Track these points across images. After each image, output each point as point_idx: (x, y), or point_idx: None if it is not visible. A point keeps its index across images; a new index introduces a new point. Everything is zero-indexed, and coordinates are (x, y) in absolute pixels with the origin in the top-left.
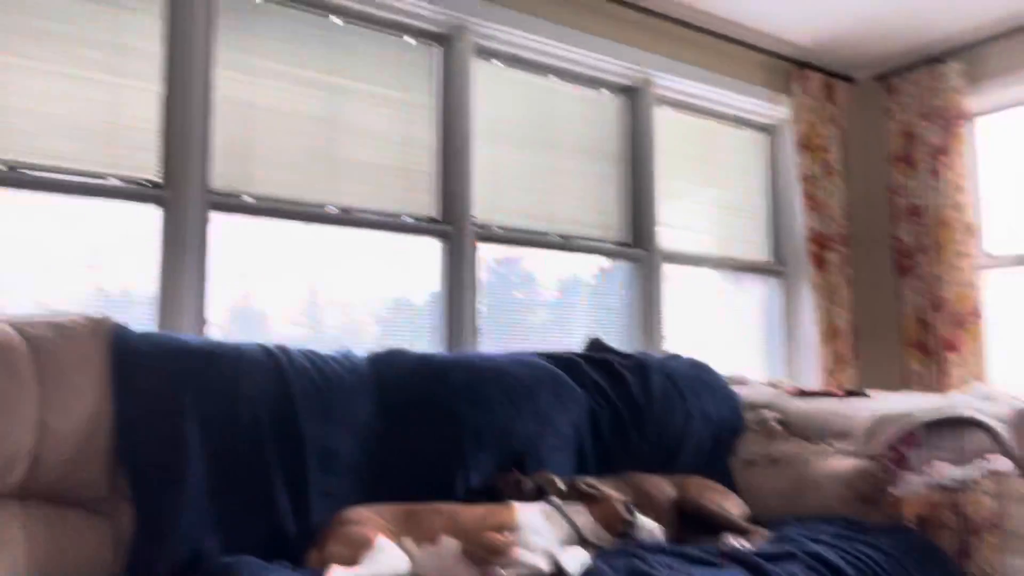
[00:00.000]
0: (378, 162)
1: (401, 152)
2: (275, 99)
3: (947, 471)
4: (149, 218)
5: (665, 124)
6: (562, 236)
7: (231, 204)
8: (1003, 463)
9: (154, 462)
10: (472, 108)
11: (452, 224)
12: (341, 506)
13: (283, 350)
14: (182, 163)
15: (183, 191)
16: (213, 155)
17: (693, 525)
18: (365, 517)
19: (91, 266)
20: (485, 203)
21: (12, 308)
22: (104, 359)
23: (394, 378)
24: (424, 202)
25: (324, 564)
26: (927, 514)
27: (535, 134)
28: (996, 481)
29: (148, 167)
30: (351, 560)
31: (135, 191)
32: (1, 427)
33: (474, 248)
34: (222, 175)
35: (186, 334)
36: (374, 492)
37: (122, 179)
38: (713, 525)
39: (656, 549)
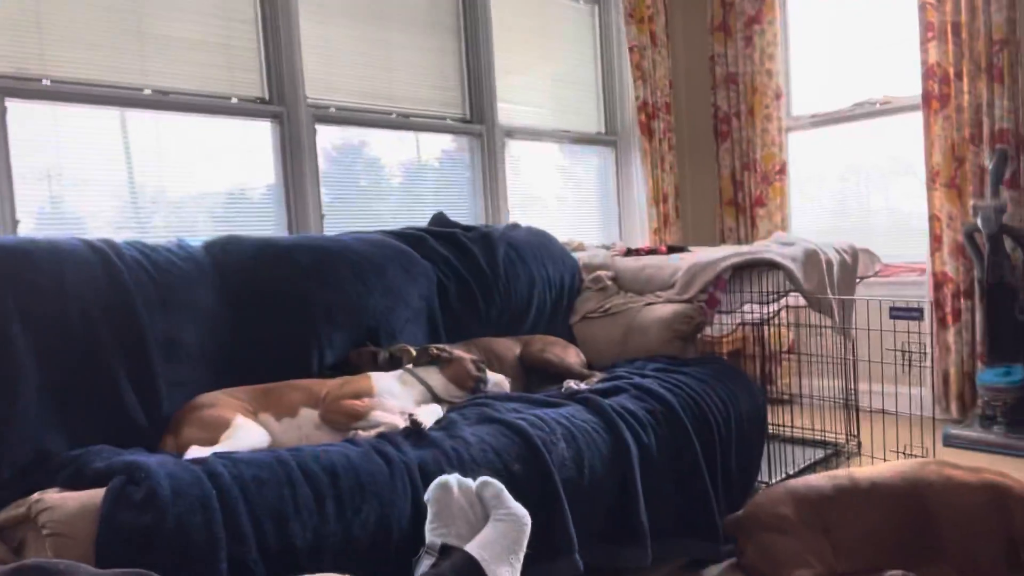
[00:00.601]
0: (194, 37)
1: (220, 26)
2: None
3: (752, 308)
4: None
5: None
6: (402, 115)
7: (22, 89)
8: (796, 298)
9: None
10: None
11: (284, 105)
12: (193, 394)
13: (109, 244)
14: None
15: None
16: None
17: (539, 377)
18: (219, 399)
19: None
20: (319, 82)
21: None
22: None
23: (234, 264)
24: (251, 82)
25: (181, 449)
26: (735, 347)
27: (366, 5)
28: (793, 314)
29: None
30: (209, 441)
31: None
32: None
33: (311, 131)
34: (8, 56)
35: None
36: (228, 379)
37: None
38: (555, 375)
39: (504, 398)
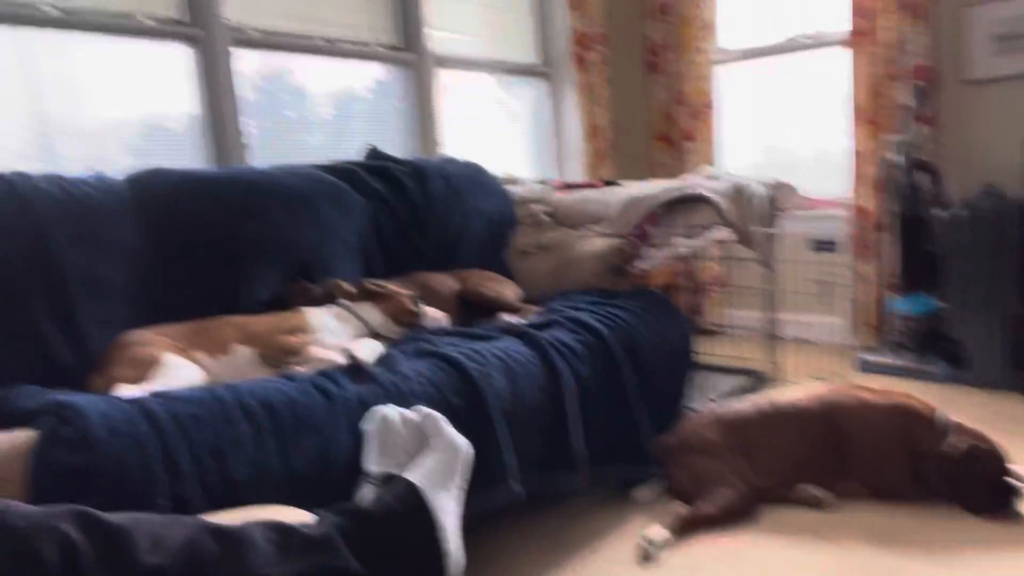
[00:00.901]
0: None
1: None
2: None
3: (682, 242)
4: None
5: None
6: (328, 40)
7: None
8: (725, 232)
9: None
10: None
11: (201, 27)
12: (121, 332)
13: (21, 176)
14: None
15: None
16: None
17: (475, 312)
18: (148, 338)
19: None
20: (237, 2)
21: None
22: None
23: (158, 199)
24: (164, 0)
25: (109, 388)
26: (666, 280)
27: None
28: (720, 248)
29: None
30: (139, 380)
31: None
32: None
33: (229, 55)
34: None
35: None
36: (156, 316)
37: None
38: (492, 309)
39: (442, 333)
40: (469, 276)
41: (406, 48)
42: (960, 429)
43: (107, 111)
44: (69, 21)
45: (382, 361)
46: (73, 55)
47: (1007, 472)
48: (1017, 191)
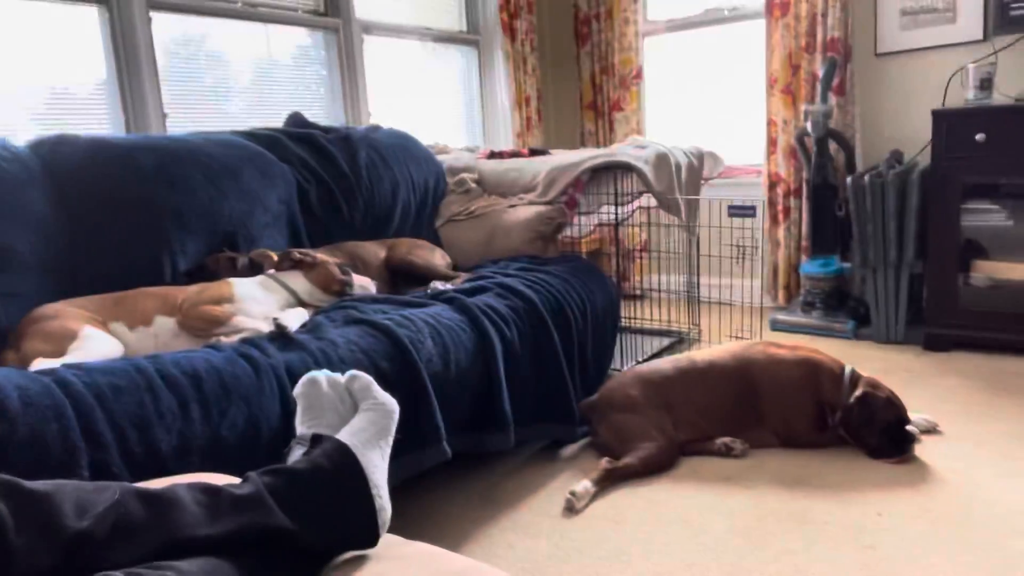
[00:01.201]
0: None
1: None
2: None
3: (608, 209)
4: None
5: None
6: (249, 3)
7: None
8: (648, 199)
9: None
10: None
11: None
12: (31, 306)
13: None
14: None
15: None
16: None
17: (405, 280)
18: (63, 311)
19: None
20: None
21: None
22: None
23: (67, 166)
24: None
25: (24, 363)
26: (593, 247)
27: None
28: (645, 214)
29: None
30: (56, 353)
31: None
32: None
33: (145, 20)
34: None
35: None
36: (71, 289)
37: None
38: (422, 277)
39: (371, 300)
40: (398, 244)
41: (330, 13)
42: (867, 383)
43: (8, 75)
44: None
45: (310, 329)
46: None
47: (903, 419)
48: (920, 158)
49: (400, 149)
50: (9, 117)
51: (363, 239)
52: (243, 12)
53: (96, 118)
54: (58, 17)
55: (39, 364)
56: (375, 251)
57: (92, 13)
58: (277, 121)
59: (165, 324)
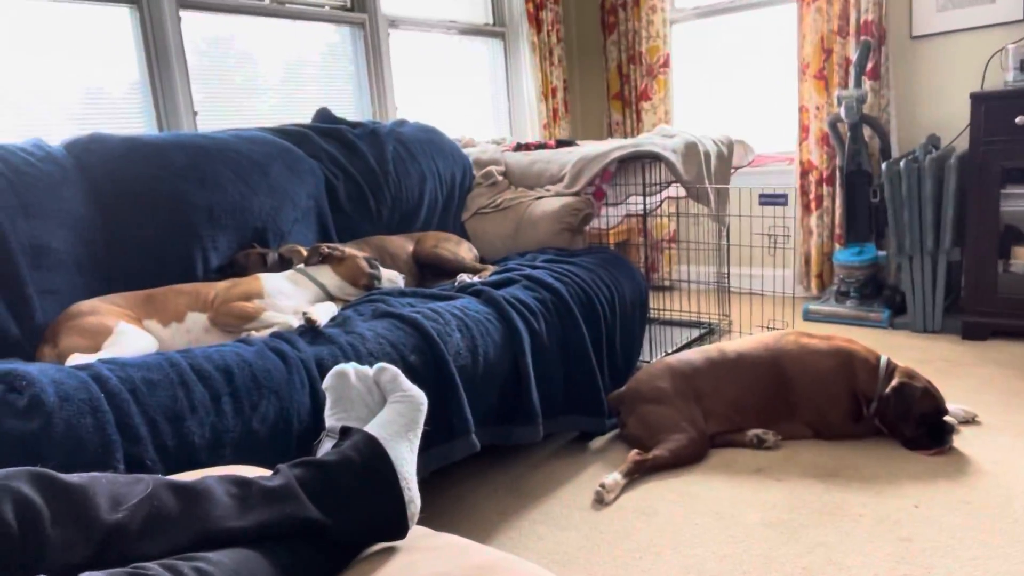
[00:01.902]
0: None
1: None
2: None
3: (635, 199)
4: None
5: None
6: (277, 1)
7: None
8: (677, 189)
9: None
10: None
11: None
12: (68, 303)
13: None
14: None
15: None
16: None
17: (434, 274)
18: (99, 306)
19: None
20: None
21: None
22: None
23: (101, 165)
24: None
25: (61, 358)
26: (621, 238)
27: None
28: (673, 204)
29: None
30: (91, 349)
31: None
32: None
33: (176, 19)
34: None
35: None
36: (106, 286)
37: None
38: (449, 270)
39: (399, 293)
40: (426, 238)
41: (356, 8)
42: (904, 373)
43: (44, 77)
44: None
45: (338, 322)
46: (3, 18)
47: (941, 409)
48: (957, 143)
49: (427, 143)
50: (45, 117)
51: (391, 233)
52: (271, 9)
53: (129, 117)
54: (91, 18)
55: (75, 359)
56: (403, 245)
57: (124, 14)
58: (306, 118)
59: (197, 320)
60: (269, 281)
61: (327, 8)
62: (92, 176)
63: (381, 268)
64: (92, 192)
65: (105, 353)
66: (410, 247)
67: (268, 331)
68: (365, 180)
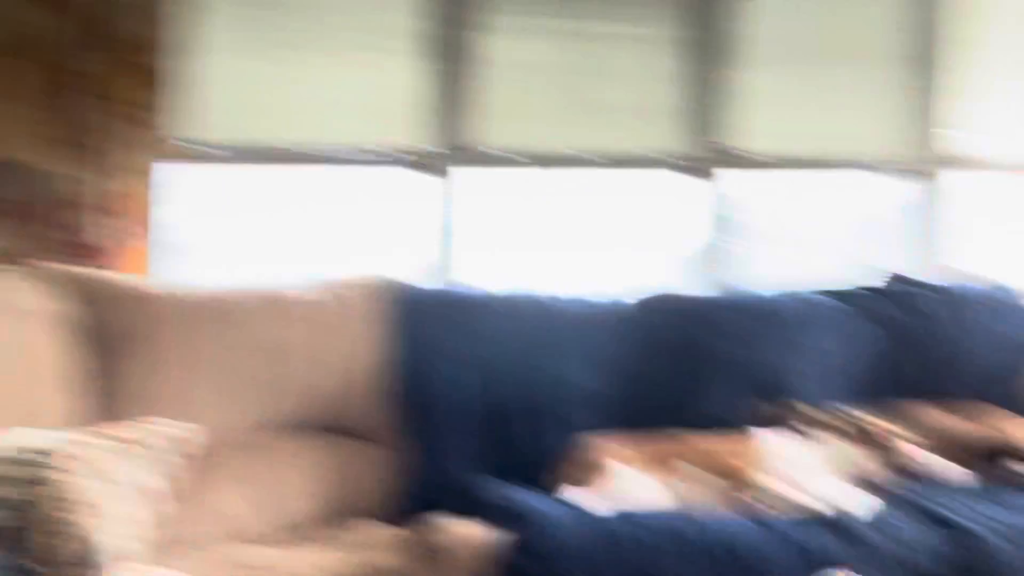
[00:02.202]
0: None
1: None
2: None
3: None
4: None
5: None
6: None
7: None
8: None
9: (433, 402)
10: None
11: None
12: (575, 434)
13: (553, 298)
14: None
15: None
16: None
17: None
18: (604, 445)
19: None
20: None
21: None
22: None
23: (660, 322)
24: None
25: (555, 486)
26: None
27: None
28: None
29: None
30: (583, 483)
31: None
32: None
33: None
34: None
35: (462, 287)
36: (609, 421)
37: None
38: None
39: (947, 490)
40: (983, 416)
41: (920, 155)
42: None
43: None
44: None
45: (874, 520)
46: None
47: None
48: None
49: (992, 299)
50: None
51: (918, 399)
52: (835, 162)
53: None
54: (674, 186)
55: (569, 491)
56: (960, 425)
57: (701, 183)
58: (860, 274)
59: (692, 474)
60: (770, 442)
61: (891, 162)
62: (651, 329)
63: (928, 453)
64: (646, 344)
65: (591, 491)
66: (971, 428)
67: (786, 511)
68: (930, 352)
